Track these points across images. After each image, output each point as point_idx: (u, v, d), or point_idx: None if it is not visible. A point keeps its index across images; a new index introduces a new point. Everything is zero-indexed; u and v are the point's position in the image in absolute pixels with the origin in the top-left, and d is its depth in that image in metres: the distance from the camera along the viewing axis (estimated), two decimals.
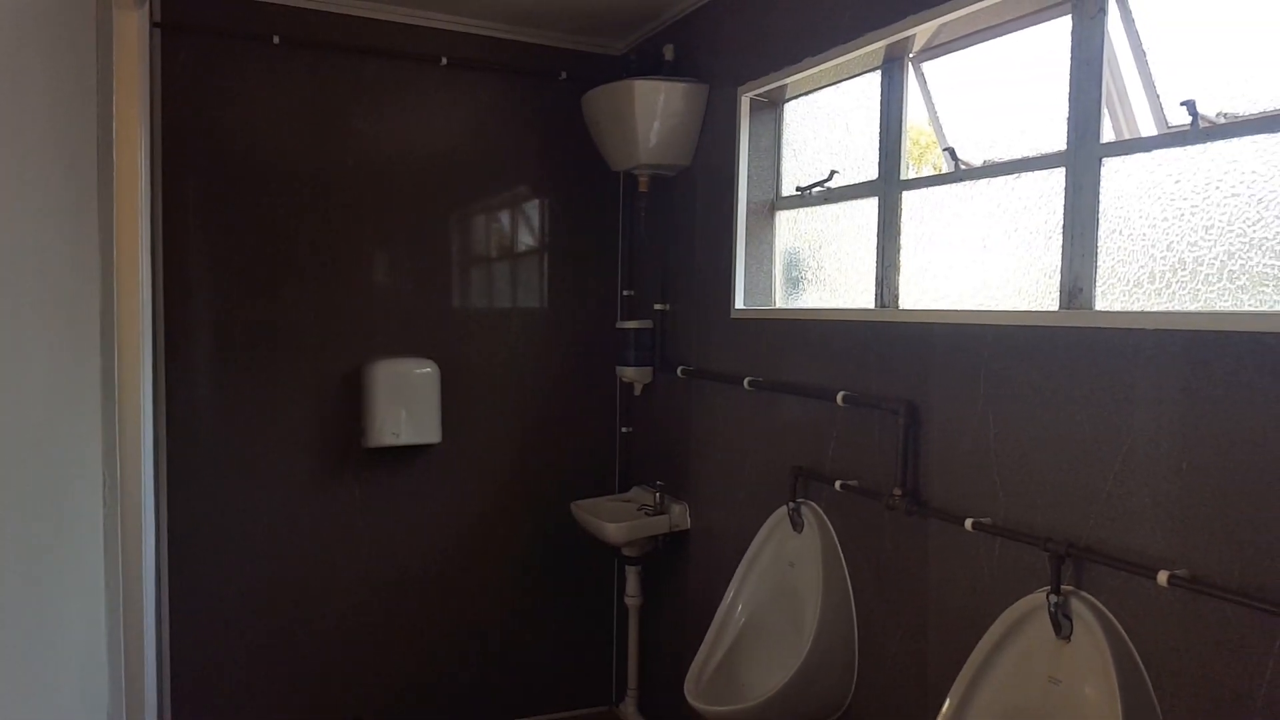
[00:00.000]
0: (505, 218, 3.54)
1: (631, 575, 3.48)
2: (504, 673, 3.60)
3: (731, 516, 2.96)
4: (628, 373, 3.45)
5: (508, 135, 3.47)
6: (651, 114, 3.05)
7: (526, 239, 3.57)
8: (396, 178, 3.32)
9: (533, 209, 3.57)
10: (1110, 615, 1.67)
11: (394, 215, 3.33)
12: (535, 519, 3.60)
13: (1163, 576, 1.53)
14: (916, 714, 2.14)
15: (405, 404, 3.28)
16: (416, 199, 3.36)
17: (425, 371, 3.33)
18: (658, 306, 3.38)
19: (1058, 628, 1.72)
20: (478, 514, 3.52)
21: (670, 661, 3.36)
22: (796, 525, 2.55)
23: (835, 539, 2.44)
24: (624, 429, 3.72)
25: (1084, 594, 1.72)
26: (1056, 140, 1.91)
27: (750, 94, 2.83)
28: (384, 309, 3.34)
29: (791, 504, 2.55)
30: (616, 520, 3.23)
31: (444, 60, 3.31)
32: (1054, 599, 1.71)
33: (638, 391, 3.53)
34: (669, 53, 3.20)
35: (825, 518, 2.47)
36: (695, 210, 3.16)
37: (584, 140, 3.42)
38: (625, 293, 3.66)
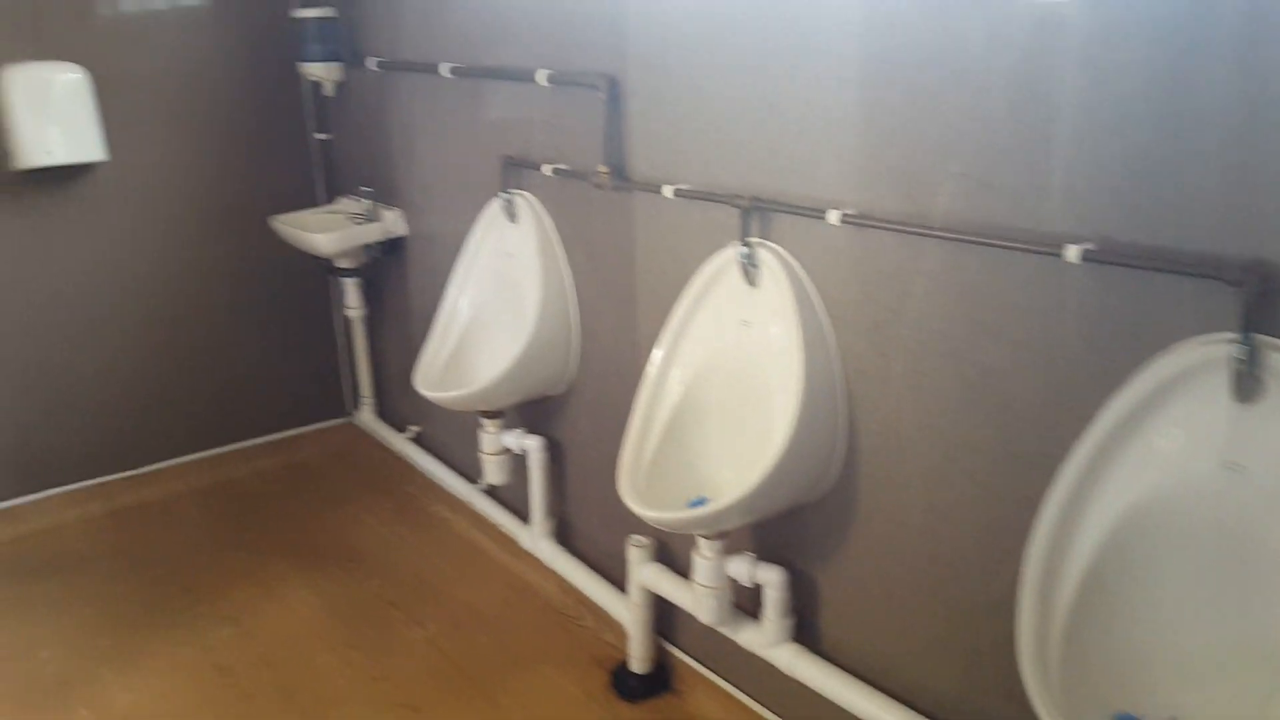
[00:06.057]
0: None
1: (350, 287, 3.38)
2: (235, 397, 3.50)
3: (447, 217, 2.91)
4: (314, 70, 3.13)
5: None
6: None
7: None
8: None
9: None
10: (791, 259, 1.85)
11: None
12: (235, 239, 3.35)
13: (834, 215, 1.70)
14: (632, 375, 2.32)
15: (53, 117, 2.83)
16: None
17: (71, 78, 2.85)
18: None
19: (747, 276, 1.89)
20: (168, 236, 3.22)
21: (401, 367, 3.40)
22: (511, 216, 2.55)
23: (550, 224, 2.47)
24: (320, 135, 3.44)
25: (769, 243, 1.88)
26: None
27: None
28: None
29: (504, 195, 2.53)
30: (326, 231, 3.08)
31: None
32: (743, 251, 1.87)
33: (329, 91, 3.24)
34: None
35: (538, 205, 2.49)
36: None
37: None
38: None
